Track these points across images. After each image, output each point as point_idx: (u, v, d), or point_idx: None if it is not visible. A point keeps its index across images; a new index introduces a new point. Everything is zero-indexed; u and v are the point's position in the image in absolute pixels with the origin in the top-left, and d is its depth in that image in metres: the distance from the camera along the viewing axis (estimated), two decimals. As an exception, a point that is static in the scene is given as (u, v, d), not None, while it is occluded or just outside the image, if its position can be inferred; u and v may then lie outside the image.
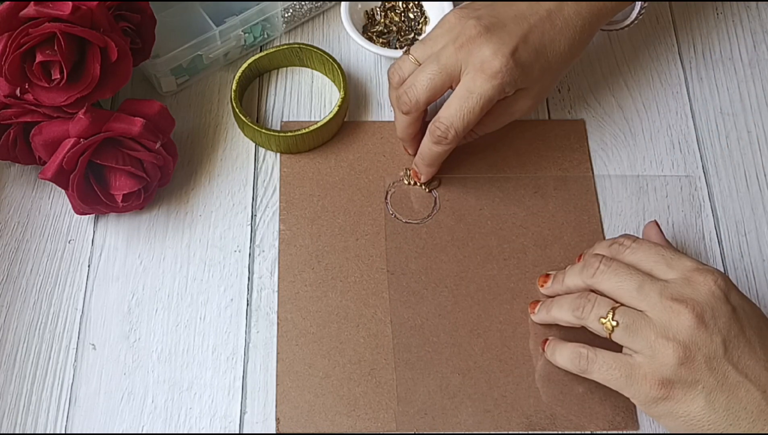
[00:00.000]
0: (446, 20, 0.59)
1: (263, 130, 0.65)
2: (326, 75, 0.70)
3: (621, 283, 0.51)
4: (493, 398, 0.57)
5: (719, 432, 0.48)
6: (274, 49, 0.68)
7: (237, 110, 0.65)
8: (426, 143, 0.60)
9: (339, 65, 0.67)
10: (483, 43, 0.55)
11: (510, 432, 0.56)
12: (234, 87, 0.66)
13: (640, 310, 0.50)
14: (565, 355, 0.53)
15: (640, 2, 0.63)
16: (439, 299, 0.61)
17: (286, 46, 0.69)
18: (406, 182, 0.65)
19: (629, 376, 0.50)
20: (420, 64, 0.59)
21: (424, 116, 0.61)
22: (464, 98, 0.56)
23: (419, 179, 0.64)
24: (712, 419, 0.48)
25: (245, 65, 0.67)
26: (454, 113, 0.57)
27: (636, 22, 0.64)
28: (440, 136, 0.58)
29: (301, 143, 0.65)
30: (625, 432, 0.56)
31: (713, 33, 0.74)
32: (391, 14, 0.72)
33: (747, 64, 0.72)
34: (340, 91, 0.66)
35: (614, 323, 0.50)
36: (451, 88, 0.58)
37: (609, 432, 0.56)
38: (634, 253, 0.52)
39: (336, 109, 0.65)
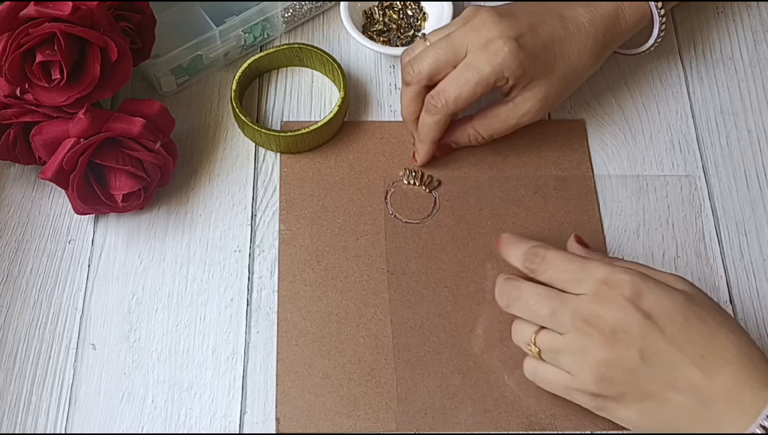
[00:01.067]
0: (463, 11, 0.61)
1: (263, 130, 0.65)
2: (326, 75, 0.70)
3: (534, 311, 0.52)
4: (493, 398, 0.57)
5: (667, 432, 0.49)
6: (274, 49, 0.68)
7: (237, 110, 0.65)
8: (422, 115, 0.61)
9: (339, 65, 0.67)
10: (491, 25, 0.57)
11: (510, 432, 0.56)
12: (234, 87, 0.66)
13: (560, 333, 0.50)
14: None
15: (656, 30, 0.63)
16: (439, 299, 0.61)
17: (286, 46, 0.69)
18: (405, 182, 0.65)
19: (567, 391, 0.52)
20: None
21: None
22: (461, 70, 0.58)
23: (416, 161, 0.65)
24: (651, 423, 0.49)
25: (245, 65, 0.67)
26: (448, 82, 0.59)
27: (654, 47, 0.65)
28: (432, 103, 0.59)
29: (301, 143, 0.65)
30: (625, 432, 0.56)
31: (713, 33, 0.74)
32: (389, 12, 0.72)
33: (747, 64, 0.72)
34: (340, 91, 0.66)
35: (537, 350, 0.52)
36: (452, 68, 0.59)
37: (609, 432, 0.56)
38: (544, 273, 0.52)
39: (336, 109, 0.65)
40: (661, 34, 0.64)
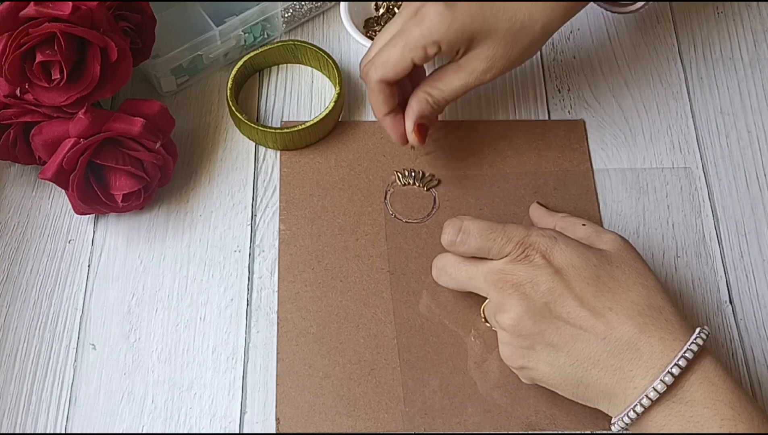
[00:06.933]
0: None
1: (260, 127, 0.65)
2: (321, 71, 0.70)
3: (455, 278, 0.54)
4: (493, 399, 0.57)
5: (578, 391, 0.51)
6: (269, 47, 0.69)
7: (233, 108, 0.65)
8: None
9: (334, 61, 0.67)
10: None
11: (510, 432, 0.56)
12: (230, 84, 0.66)
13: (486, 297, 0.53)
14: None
15: None
16: (439, 299, 0.61)
17: (280, 43, 0.69)
18: (400, 184, 0.65)
19: (506, 353, 0.53)
20: None
21: (396, 91, 0.60)
22: (392, 38, 0.57)
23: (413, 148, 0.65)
24: (564, 375, 0.50)
25: (240, 63, 0.67)
26: (376, 48, 0.58)
27: (646, 6, 0.62)
28: (365, 71, 0.59)
29: (297, 139, 0.65)
30: (626, 432, 0.56)
31: (713, 32, 0.74)
32: (390, 11, 0.72)
33: (747, 64, 0.72)
34: (335, 87, 0.66)
35: (484, 318, 0.55)
36: None
37: (609, 432, 0.56)
38: (465, 244, 0.53)
39: (332, 105, 0.65)
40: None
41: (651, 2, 0.63)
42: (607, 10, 0.65)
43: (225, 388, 0.58)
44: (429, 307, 0.60)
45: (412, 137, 0.60)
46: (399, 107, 0.60)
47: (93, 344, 0.59)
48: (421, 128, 0.60)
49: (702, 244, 0.64)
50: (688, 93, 0.70)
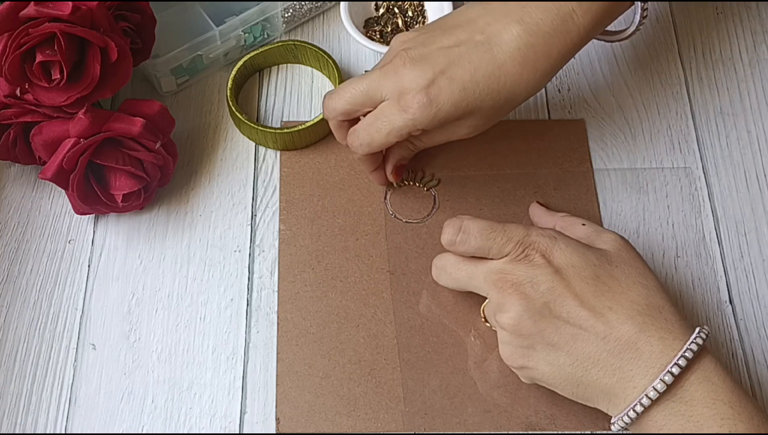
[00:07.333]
0: (391, 43, 0.58)
1: (259, 127, 0.65)
2: (321, 71, 0.70)
3: (455, 278, 0.55)
4: (493, 399, 0.57)
5: (578, 391, 0.51)
6: (269, 47, 0.69)
7: (233, 108, 0.65)
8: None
9: (333, 60, 0.67)
10: (403, 73, 0.54)
11: (510, 432, 0.56)
12: (230, 84, 0.66)
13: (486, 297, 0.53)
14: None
15: (639, 12, 0.62)
16: (439, 299, 0.61)
17: (280, 43, 0.69)
18: (400, 184, 0.65)
19: (506, 353, 0.53)
20: None
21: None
22: (375, 117, 0.56)
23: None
24: (564, 375, 0.50)
25: (240, 63, 0.67)
26: (362, 126, 0.57)
27: (638, 31, 0.63)
28: (350, 142, 0.59)
29: (297, 139, 0.65)
30: (626, 432, 0.56)
31: (713, 33, 0.74)
32: (390, 11, 0.72)
33: (747, 64, 0.72)
34: (335, 87, 0.66)
35: (484, 318, 0.55)
36: (372, 109, 0.57)
37: (609, 432, 0.56)
38: (465, 244, 0.53)
39: (333, 106, 0.65)
40: (642, 25, 0.60)
41: (642, 28, 0.62)
42: (599, 40, 0.65)
43: (225, 388, 0.58)
44: (429, 307, 0.60)
45: (390, 177, 0.63)
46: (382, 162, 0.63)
47: (93, 344, 0.59)
48: (399, 169, 0.63)
49: (702, 244, 0.64)
50: (688, 93, 0.70)
